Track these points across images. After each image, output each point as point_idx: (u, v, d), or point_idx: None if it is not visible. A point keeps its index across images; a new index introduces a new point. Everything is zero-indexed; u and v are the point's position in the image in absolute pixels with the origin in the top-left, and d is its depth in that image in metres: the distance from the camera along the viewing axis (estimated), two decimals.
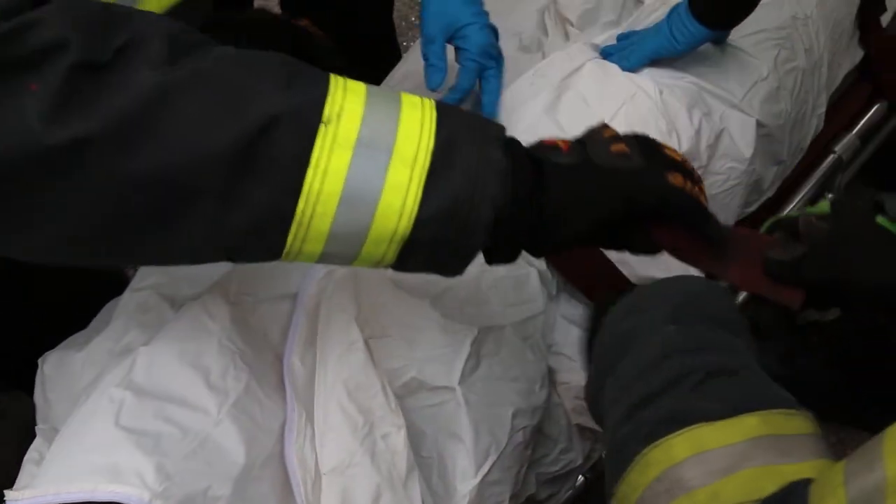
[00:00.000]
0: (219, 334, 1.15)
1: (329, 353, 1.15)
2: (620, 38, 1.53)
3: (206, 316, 1.16)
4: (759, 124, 1.53)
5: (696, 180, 0.99)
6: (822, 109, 1.71)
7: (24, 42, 0.76)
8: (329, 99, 0.83)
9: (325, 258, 0.89)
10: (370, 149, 0.84)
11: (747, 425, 0.73)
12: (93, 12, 0.82)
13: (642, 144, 0.96)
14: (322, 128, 0.82)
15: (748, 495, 0.68)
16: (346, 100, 0.84)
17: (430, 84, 1.41)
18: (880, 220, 0.98)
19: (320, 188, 0.82)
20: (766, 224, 1.08)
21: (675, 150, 0.99)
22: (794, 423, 0.74)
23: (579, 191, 0.91)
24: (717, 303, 0.90)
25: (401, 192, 0.84)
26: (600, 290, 1.26)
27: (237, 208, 0.82)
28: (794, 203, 1.79)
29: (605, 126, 0.98)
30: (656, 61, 1.49)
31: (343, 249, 0.88)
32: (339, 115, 0.83)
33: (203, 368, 1.11)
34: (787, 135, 1.63)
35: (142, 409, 1.07)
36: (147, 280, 1.27)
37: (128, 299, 1.24)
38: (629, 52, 1.48)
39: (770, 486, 0.66)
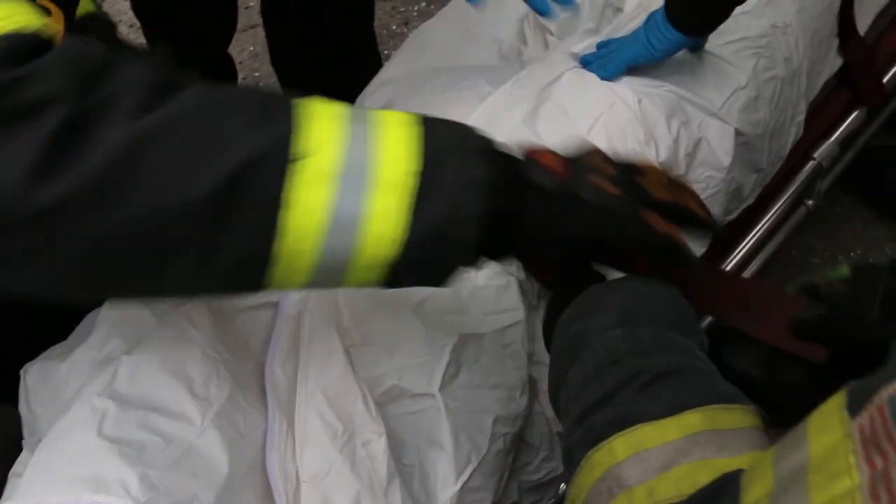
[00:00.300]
0: (201, 343, 1.15)
1: (310, 361, 1.16)
2: (600, 45, 1.53)
3: (189, 324, 1.17)
4: (738, 133, 1.54)
5: (684, 187, 1.00)
6: (801, 117, 1.73)
7: (20, 94, 0.76)
8: (302, 133, 0.81)
9: (313, 287, 0.89)
10: (351, 178, 0.82)
11: (686, 423, 0.74)
12: (90, 61, 0.81)
13: (627, 180, 0.95)
14: (295, 164, 0.80)
15: (682, 490, 0.69)
16: (323, 129, 0.82)
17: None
18: None
19: (299, 225, 0.81)
20: (791, 285, 1.11)
21: (660, 175, 1.00)
22: (734, 416, 0.75)
23: (555, 222, 0.91)
24: (666, 303, 0.92)
25: (387, 220, 0.82)
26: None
27: (219, 254, 0.81)
28: (774, 209, 1.81)
29: (597, 151, 0.98)
30: (635, 69, 1.49)
31: (330, 280, 0.87)
32: (315, 148, 0.81)
33: (186, 377, 1.12)
34: (766, 143, 1.64)
35: (125, 419, 1.08)
36: None
37: (109, 309, 1.24)
38: (607, 61, 1.49)
39: (705, 480, 0.67)
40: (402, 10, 2.71)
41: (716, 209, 1.56)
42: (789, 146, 1.73)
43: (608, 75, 1.48)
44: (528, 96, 1.43)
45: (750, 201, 1.70)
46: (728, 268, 1.77)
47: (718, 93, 1.55)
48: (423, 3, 2.72)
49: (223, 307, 1.20)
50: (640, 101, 1.43)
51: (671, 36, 1.44)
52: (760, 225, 1.81)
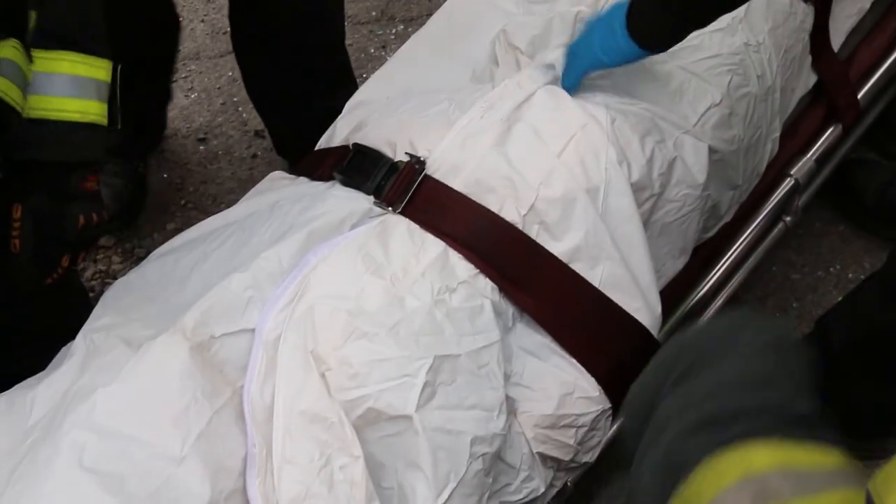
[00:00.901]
0: (179, 372, 1.16)
1: (286, 386, 1.16)
2: (568, 53, 1.51)
3: (166, 355, 1.17)
4: (712, 150, 1.55)
5: None
6: (776, 134, 1.74)
7: None
8: None
9: None
10: None
11: (833, 457, 0.75)
12: None
13: None
14: None
15: None
16: None
17: None
18: None
19: None
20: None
21: None
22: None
23: None
24: (799, 352, 0.92)
25: None
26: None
27: None
28: (752, 226, 1.82)
29: None
30: (612, 83, 1.49)
31: None
32: None
33: (165, 407, 1.13)
34: (741, 160, 1.65)
35: (105, 450, 1.09)
36: (100, 321, 1.28)
37: (81, 341, 1.24)
38: (567, 71, 1.48)
39: None
40: (380, 33, 2.73)
41: (693, 227, 1.58)
42: (765, 163, 1.74)
43: (569, 87, 1.47)
44: (499, 118, 1.43)
45: (727, 218, 1.71)
46: (707, 286, 1.77)
47: (692, 110, 1.56)
48: (401, 27, 2.73)
49: (200, 336, 1.20)
50: (613, 121, 1.44)
51: (627, 49, 1.40)
52: (739, 242, 1.82)
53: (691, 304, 1.75)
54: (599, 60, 1.44)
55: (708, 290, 1.79)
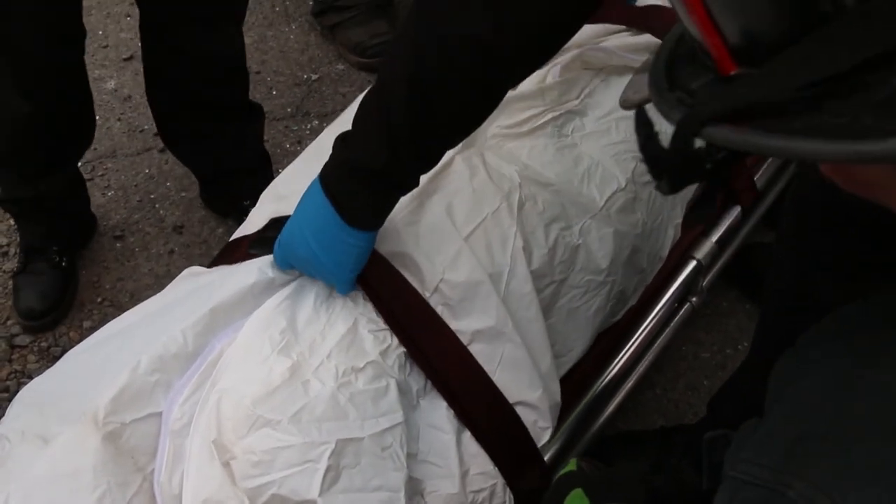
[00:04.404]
0: (92, 464, 1.17)
1: (193, 475, 1.18)
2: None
3: (78, 446, 1.19)
4: (617, 234, 1.59)
5: None
6: (679, 220, 1.79)
7: None
8: None
9: None
10: None
11: None
12: None
13: None
14: None
15: None
16: None
17: None
18: None
19: None
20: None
21: None
22: None
23: None
24: None
25: None
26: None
27: None
28: (658, 308, 1.85)
29: None
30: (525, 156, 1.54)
31: None
32: None
33: (79, 499, 1.15)
34: (645, 244, 1.69)
35: None
36: (16, 421, 1.30)
37: None
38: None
39: None
40: (295, 129, 2.77)
41: (600, 314, 1.61)
42: (667, 248, 1.78)
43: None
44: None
45: (633, 302, 1.75)
46: (617, 367, 1.80)
47: (599, 193, 1.60)
48: (316, 122, 2.78)
49: (111, 424, 1.22)
50: (522, 207, 1.48)
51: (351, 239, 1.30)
52: (647, 323, 1.85)
53: (601, 385, 1.77)
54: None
55: (618, 372, 1.81)
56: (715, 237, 1.93)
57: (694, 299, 1.97)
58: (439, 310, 1.39)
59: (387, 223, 1.33)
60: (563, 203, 1.54)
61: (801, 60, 0.55)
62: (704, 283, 1.97)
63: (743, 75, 0.61)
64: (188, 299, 1.38)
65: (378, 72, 1.21)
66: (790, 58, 0.56)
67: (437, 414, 1.37)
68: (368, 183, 1.23)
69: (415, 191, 1.32)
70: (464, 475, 1.35)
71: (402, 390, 1.33)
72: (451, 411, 1.38)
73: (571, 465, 1.41)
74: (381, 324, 1.36)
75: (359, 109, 1.22)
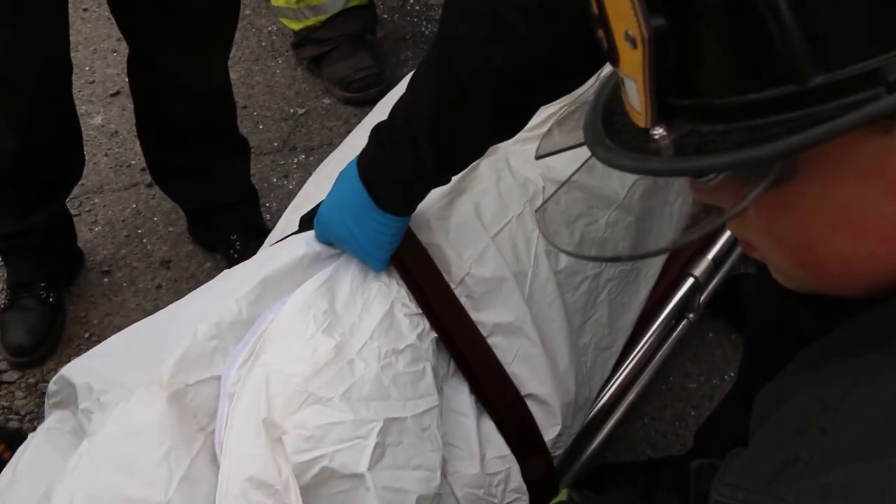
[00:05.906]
0: (159, 421, 1.23)
1: (236, 449, 1.21)
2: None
3: (146, 405, 1.24)
4: (639, 220, 1.64)
5: None
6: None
7: None
8: None
9: None
10: None
11: None
12: None
13: None
14: None
15: None
16: None
17: None
18: None
19: None
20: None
21: None
22: None
23: None
24: None
25: None
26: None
27: None
28: (658, 322, 1.88)
29: None
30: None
31: None
32: None
33: (147, 453, 1.21)
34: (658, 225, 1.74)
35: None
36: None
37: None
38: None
39: None
40: (282, 163, 2.79)
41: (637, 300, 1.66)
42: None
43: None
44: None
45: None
46: (616, 383, 1.84)
47: (621, 183, 1.63)
48: (303, 156, 2.80)
49: (175, 384, 1.27)
50: (545, 211, 1.49)
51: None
52: (645, 339, 1.91)
53: (592, 413, 1.78)
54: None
55: (610, 398, 1.84)
56: (711, 254, 1.98)
57: (691, 315, 2.00)
58: (462, 301, 1.44)
59: (420, 215, 1.41)
60: (587, 198, 1.57)
61: None
62: (701, 300, 2.00)
63: None
64: (240, 269, 1.45)
65: (408, 85, 1.26)
66: None
67: (460, 399, 1.43)
68: (399, 180, 1.30)
69: (446, 187, 1.40)
70: (482, 457, 1.40)
71: (435, 374, 1.38)
72: (473, 396, 1.43)
73: (563, 496, 1.43)
74: (415, 308, 1.41)
75: (388, 119, 1.28)
